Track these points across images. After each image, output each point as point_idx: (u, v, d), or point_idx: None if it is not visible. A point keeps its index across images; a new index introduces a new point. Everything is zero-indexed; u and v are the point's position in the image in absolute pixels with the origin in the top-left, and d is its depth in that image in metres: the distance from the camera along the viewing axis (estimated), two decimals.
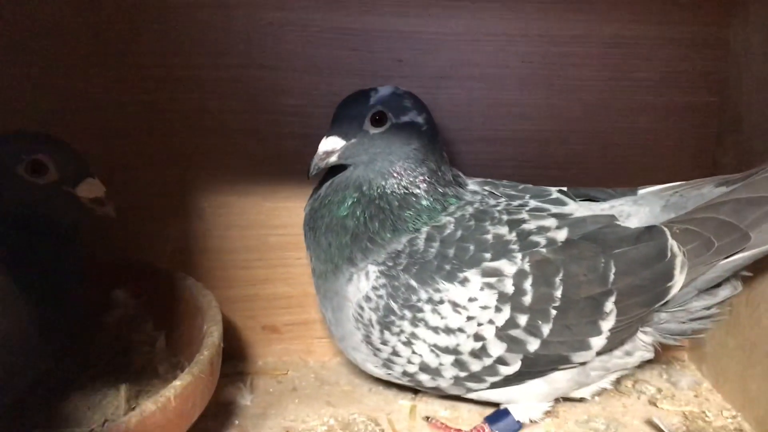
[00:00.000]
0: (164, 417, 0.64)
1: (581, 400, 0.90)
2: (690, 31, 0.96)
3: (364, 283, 0.78)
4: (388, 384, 0.94)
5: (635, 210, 0.81)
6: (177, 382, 0.66)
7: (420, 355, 0.79)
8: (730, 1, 0.95)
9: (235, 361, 1.02)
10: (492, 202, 0.83)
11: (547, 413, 0.87)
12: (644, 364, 0.87)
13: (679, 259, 0.75)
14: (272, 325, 1.04)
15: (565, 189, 0.86)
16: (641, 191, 0.85)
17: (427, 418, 0.90)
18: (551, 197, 0.84)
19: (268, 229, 1.00)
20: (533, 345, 0.76)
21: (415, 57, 0.95)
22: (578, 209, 0.82)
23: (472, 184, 0.86)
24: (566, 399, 0.89)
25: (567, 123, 0.99)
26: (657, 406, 0.94)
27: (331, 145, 0.77)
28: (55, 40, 0.91)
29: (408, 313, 0.77)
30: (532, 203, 0.83)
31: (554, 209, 0.82)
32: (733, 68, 0.96)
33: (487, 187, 0.86)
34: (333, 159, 0.77)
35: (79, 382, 0.84)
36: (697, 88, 0.98)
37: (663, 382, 1.00)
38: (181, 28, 0.92)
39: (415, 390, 0.94)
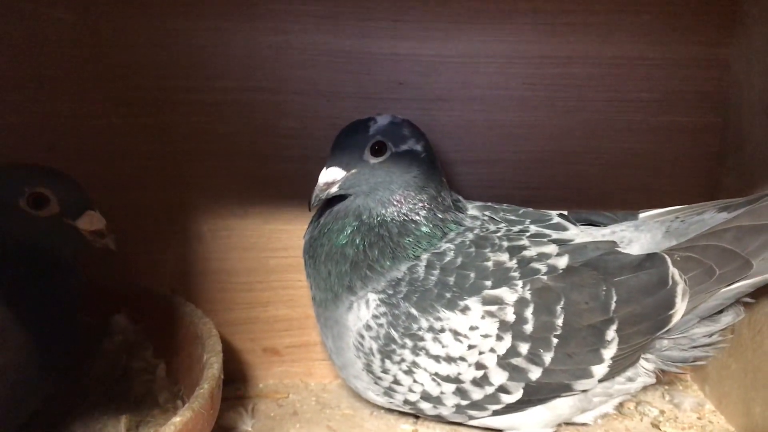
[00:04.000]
0: None
1: (584, 424, 0.89)
2: (691, 51, 0.96)
3: (364, 311, 0.78)
4: (389, 408, 0.93)
5: (636, 236, 0.81)
6: (177, 419, 0.65)
7: (421, 384, 0.78)
8: (732, 22, 0.95)
9: (235, 384, 1.01)
10: (492, 227, 0.83)
11: None
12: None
13: (680, 287, 0.74)
14: (273, 347, 1.04)
15: (565, 213, 0.86)
16: (642, 215, 0.85)
17: None
18: (552, 222, 0.84)
19: (268, 252, 1.00)
20: (535, 373, 0.76)
21: (414, 79, 0.95)
22: (579, 235, 0.82)
23: (472, 209, 0.86)
24: (568, 423, 0.88)
25: (567, 144, 0.98)
26: (660, 429, 0.93)
27: (331, 176, 0.77)
28: (53, 63, 0.91)
29: (409, 342, 0.77)
30: (533, 229, 0.82)
31: (555, 235, 0.81)
32: (734, 89, 0.95)
33: (487, 212, 0.85)
34: (334, 190, 0.77)
35: (79, 410, 0.84)
36: (698, 108, 0.97)
37: (665, 404, 0.99)
38: (181, 51, 0.92)
39: (416, 414, 0.93)
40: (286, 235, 0.99)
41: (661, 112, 0.98)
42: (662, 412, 0.97)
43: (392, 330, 0.77)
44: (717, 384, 0.98)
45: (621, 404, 0.94)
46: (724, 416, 0.95)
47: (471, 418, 0.82)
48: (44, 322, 0.72)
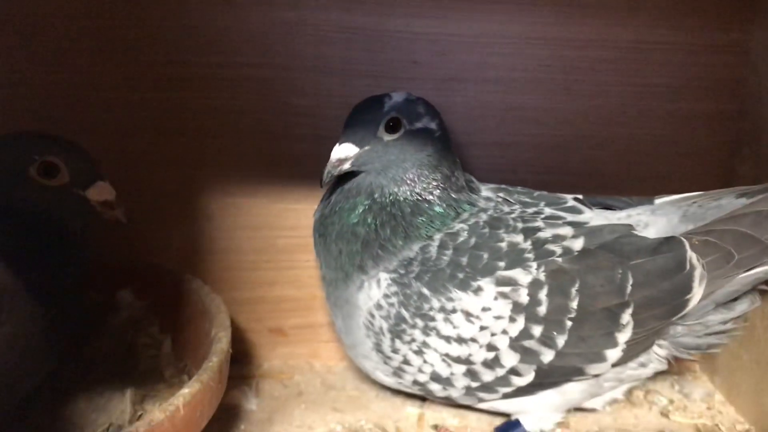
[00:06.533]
0: (172, 425, 0.62)
1: (593, 410, 0.88)
2: (709, 37, 0.94)
3: (375, 290, 0.77)
4: (396, 390, 0.92)
5: (653, 220, 0.80)
6: (185, 390, 0.65)
7: (431, 365, 0.77)
8: (751, 8, 0.93)
9: (240, 363, 1.00)
10: (506, 209, 0.82)
11: (559, 424, 0.86)
12: (656, 375, 0.85)
13: (697, 272, 0.73)
14: (278, 327, 1.03)
15: (580, 197, 0.85)
16: (658, 201, 0.84)
17: (436, 426, 0.89)
18: (567, 205, 0.83)
19: (277, 231, 0.99)
20: (547, 356, 0.75)
21: (429, 59, 0.94)
22: (594, 218, 0.80)
23: (486, 191, 0.85)
24: (577, 409, 0.88)
25: (583, 128, 0.97)
26: (669, 418, 0.92)
27: (344, 152, 0.75)
28: (64, 36, 0.90)
29: (420, 322, 0.76)
30: (548, 211, 0.81)
31: (570, 217, 0.80)
32: (752, 76, 0.94)
33: (501, 194, 0.84)
34: (346, 166, 0.76)
35: (83, 384, 0.83)
36: (715, 95, 0.96)
37: (675, 393, 0.98)
38: (194, 26, 0.91)
39: (423, 397, 0.92)
40: (294, 215, 0.98)
41: (678, 99, 0.97)
42: (671, 401, 0.96)
43: (403, 310, 0.76)
44: (727, 375, 0.97)
45: (630, 392, 0.94)
46: (733, 407, 0.95)
47: (480, 400, 0.81)
48: (53, 293, 0.71)
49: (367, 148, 0.76)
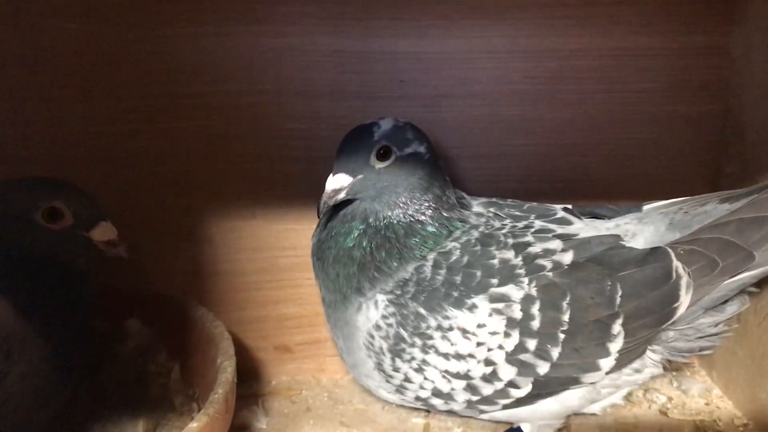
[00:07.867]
0: None
1: (593, 414, 0.90)
2: (690, 40, 0.96)
3: (373, 312, 0.79)
4: (401, 404, 0.95)
5: (640, 229, 0.82)
6: (194, 424, 0.67)
7: (432, 381, 0.80)
8: (730, 9, 0.95)
9: (248, 382, 1.03)
10: (497, 224, 0.83)
11: (560, 430, 0.88)
12: None
13: (684, 281, 0.75)
14: (284, 345, 1.05)
15: (570, 207, 0.87)
16: (646, 207, 0.86)
17: None
18: (556, 217, 0.84)
19: (277, 251, 1.01)
20: (543, 368, 0.77)
21: (416, 77, 0.96)
22: (583, 229, 0.82)
23: (477, 206, 0.87)
24: (578, 414, 0.90)
25: (570, 136, 0.99)
26: (668, 416, 0.94)
27: (339, 182, 0.77)
28: (56, 72, 0.92)
29: (418, 341, 0.78)
30: (538, 224, 0.83)
31: (559, 230, 0.82)
32: (734, 76, 0.96)
33: (491, 209, 0.86)
34: (341, 196, 0.78)
35: (97, 413, 0.86)
36: (699, 97, 0.98)
37: (673, 390, 1.01)
38: (185, 56, 0.93)
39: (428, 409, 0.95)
40: (293, 235, 1.00)
41: (663, 102, 0.98)
42: (670, 398, 0.98)
43: (401, 329, 0.78)
44: (724, 370, 0.99)
45: (629, 392, 0.95)
46: (731, 401, 0.97)
47: (482, 412, 0.83)
48: (62, 331, 0.74)
49: (360, 176, 0.78)
